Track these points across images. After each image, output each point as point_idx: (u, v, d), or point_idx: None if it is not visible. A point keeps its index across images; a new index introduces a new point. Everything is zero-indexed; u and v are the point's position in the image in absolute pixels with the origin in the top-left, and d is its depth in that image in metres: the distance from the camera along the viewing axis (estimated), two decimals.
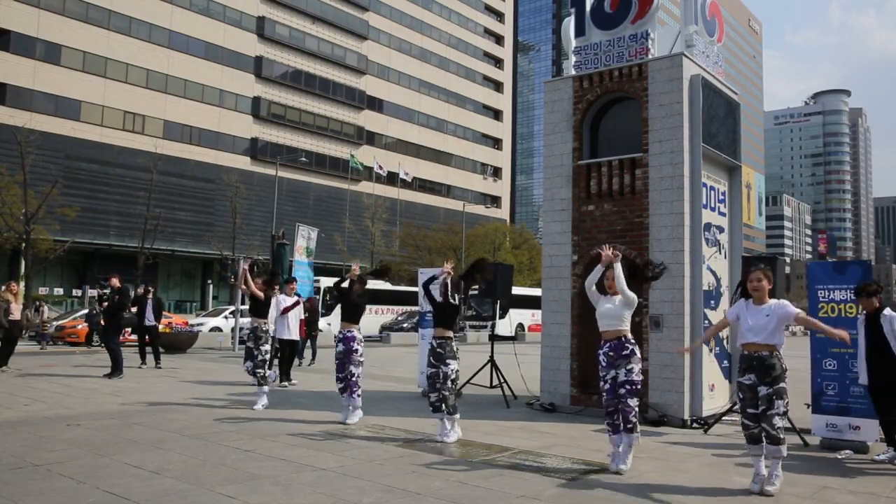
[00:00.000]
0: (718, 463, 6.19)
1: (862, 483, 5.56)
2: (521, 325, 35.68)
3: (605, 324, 5.80)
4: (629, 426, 5.59)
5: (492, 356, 10.73)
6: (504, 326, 32.47)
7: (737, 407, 8.63)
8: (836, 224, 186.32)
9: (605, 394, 5.73)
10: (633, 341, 5.73)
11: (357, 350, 7.77)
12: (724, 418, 8.13)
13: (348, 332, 7.83)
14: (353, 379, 7.74)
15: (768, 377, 5.09)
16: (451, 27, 75.01)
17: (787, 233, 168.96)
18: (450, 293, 6.93)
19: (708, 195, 8.97)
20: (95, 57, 47.66)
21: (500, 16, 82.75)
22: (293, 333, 11.89)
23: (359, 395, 7.83)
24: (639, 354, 5.74)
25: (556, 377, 9.22)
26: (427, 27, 72.21)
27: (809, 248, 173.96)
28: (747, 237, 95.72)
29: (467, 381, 10.61)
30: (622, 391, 5.59)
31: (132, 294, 14.24)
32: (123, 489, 4.81)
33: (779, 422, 5.04)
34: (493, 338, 11.56)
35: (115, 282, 12.72)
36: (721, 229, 9.33)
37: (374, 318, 32.09)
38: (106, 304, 12.80)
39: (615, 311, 5.75)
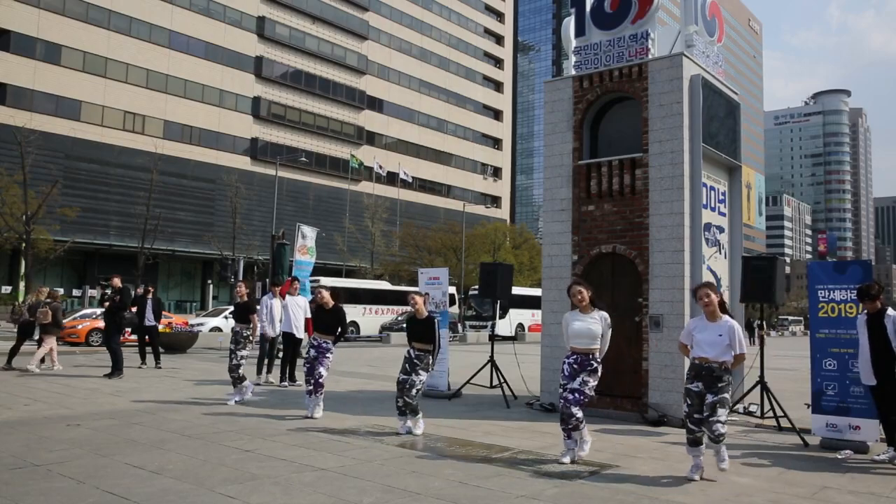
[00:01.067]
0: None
1: (862, 483, 5.56)
2: (521, 325, 35.68)
3: (577, 342, 5.95)
4: (571, 427, 5.81)
5: (492, 356, 10.72)
6: (504, 326, 32.49)
7: (738, 407, 8.66)
8: (836, 224, 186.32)
9: (561, 401, 5.92)
10: (598, 360, 5.93)
11: (329, 357, 8.03)
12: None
13: (324, 342, 8.05)
14: (320, 380, 7.95)
15: (714, 387, 5.39)
16: (451, 27, 75.03)
17: (787, 233, 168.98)
18: (422, 315, 7.30)
19: (708, 195, 8.97)
20: (95, 57, 47.68)
21: (500, 16, 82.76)
22: (299, 331, 11.89)
23: (321, 395, 8.04)
24: (599, 373, 5.94)
25: (557, 377, 9.18)
26: (427, 27, 72.23)
27: (809, 248, 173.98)
28: (747, 237, 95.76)
29: (467, 381, 10.61)
30: (570, 396, 5.81)
31: (132, 294, 14.25)
32: (123, 489, 4.81)
33: (720, 428, 5.32)
34: (493, 338, 11.55)
35: (117, 282, 12.72)
36: (721, 229, 9.33)
37: (374, 318, 32.10)
38: (107, 304, 12.81)
39: (591, 333, 5.88)
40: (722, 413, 5.32)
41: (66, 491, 4.73)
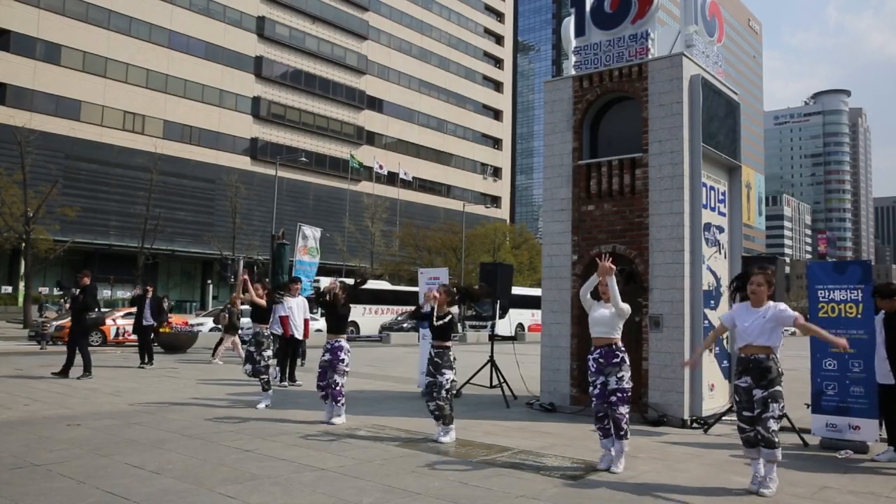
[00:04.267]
0: (718, 463, 6.19)
1: (862, 483, 5.56)
2: (521, 325, 35.66)
3: (597, 330, 5.87)
4: (621, 433, 5.68)
5: (492, 356, 10.72)
6: (504, 326, 32.43)
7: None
8: (836, 224, 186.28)
9: (594, 399, 5.83)
10: (623, 349, 5.79)
11: (343, 360, 7.71)
12: (724, 418, 8.13)
13: (336, 342, 7.77)
14: (337, 388, 7.65)
15: (764, 380, 5.10)
16: (451, 27, 75.02)
17: (787, 233, 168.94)
18: (442, 311, 7.00)
19: (708, 195, 8.97)
20: (95, 57, 47.68)
21: (500, 16, 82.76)
22: (298, 331, 11.87)
23: (342, 404, 7.76)
24: (628, 362, 5.79)
25: (556, 377, 9.22)
26: (427, 27, 72.22)
27: (809, 248, 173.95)
28: (747, 237, 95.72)
29: (467, 381, 10.61)
30: (613, 399, 5.68)
31: (132, 294, 14.22)
32: (123, 489, 4.81)
33: (773, 425, 5.05)
34: (493, 338, 11.54)
35: (87, 280, 12.18)
36: (721, 229, 9.33)
37: (374, 318, 32.08)
38: (68, 304, 12.47)
39: (608, 320, 5.81)
40: (775, 408, 5.02)
41: (66, 491, 4.73)
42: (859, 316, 6.94)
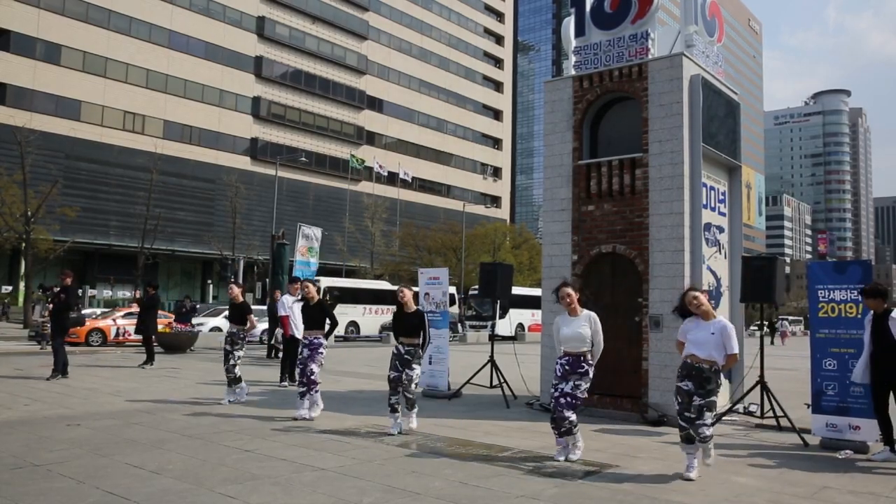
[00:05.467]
0: (718, 463, 6.18)
1: (862, 483, 5.56)
2: (521, 325, 35.67)
3: (570, 345, 6.03)
4: (563, 430, 5.88)
5: (492, 356, 10.72)
6: (504, 326, 32.48)
7: (738, 407, 8.67)
8: (836, 224, 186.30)
9: (553, 401, 6.01)
10: (590, 362, 6.00)
11: (322, 353, 7.99)
12: (724, 418, 8.13)
13: (315, 338, 8.00)
14: (313, 376, 7.88)
15: (703, 388, 5.42)
16: (451, 27, 75.01)
17: (787, 233, 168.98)
18: (410, 309, 7.33)
19: (708, 195, 8.97)
20: (95, 57, 47.67)
21: (500, 16, 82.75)
22: (298, 332, 11.87)
23: (317, 391, 7.99)
24: (591, 375, 5.99)
25: None
26: (427, 27, 72.22)
27: (809, 248, 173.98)
28: (747, 237, 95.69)
29: (467, 381, 10.61)
30: (563, 400, 5.88)
31: (134, 295, 14.20)
32: (123, 489, 4.81)
33: (706, 431, 5.36)
34: (494, 338, 11.55)
35: (68, 280, 12.14)
36: (721, 229, 9.33)
37: (374, 318, 32.08)
38: (51, 303, 12.43)
39: (582, 336, 5.98)
40: (708, 416, 5.38)
41: (66, 491, 4.74)
42: (859, 316, 6.93)
